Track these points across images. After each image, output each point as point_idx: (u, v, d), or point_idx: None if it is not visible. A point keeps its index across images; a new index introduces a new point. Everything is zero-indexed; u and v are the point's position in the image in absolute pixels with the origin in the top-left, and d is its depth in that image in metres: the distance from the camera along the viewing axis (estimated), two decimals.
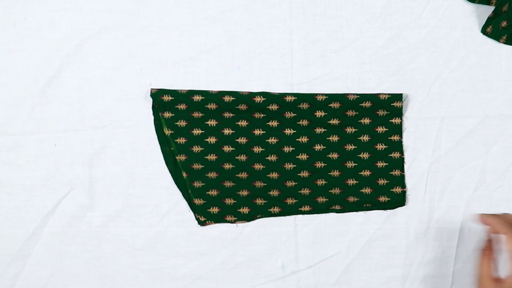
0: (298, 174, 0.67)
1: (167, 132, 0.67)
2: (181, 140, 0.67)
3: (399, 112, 0.66)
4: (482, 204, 0.67)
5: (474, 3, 0.67)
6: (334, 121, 0.66)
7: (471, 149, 0.67)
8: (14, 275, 0.67)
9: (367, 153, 0.67)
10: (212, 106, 0.66)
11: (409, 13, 0.67)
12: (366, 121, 0.66)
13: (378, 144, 0.67)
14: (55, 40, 0.68)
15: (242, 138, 0.67)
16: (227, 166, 0.67)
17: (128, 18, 0.68)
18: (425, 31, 0.67)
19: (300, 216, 0.68)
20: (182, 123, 0.67)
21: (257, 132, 0.67)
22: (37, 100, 0.68)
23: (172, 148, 0.67)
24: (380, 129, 0.66)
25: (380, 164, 0.67)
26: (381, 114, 0.66)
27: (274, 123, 0.67)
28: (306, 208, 0.67)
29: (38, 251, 0.67)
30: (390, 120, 0.66)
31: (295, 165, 0.67)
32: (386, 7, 0.67)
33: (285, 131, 0.67)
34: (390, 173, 0.67)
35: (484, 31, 0.67)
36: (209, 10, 0.67)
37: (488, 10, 0.67)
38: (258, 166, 0.67)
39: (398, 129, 0.66)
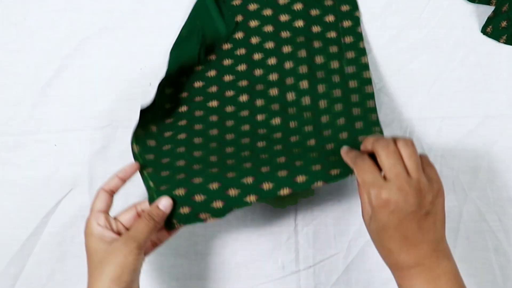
0: (276, 158, 0.60)
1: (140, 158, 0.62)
2: (150, 156, 0.62)
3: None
4: (482, 204, 0.67)
5: (474, 3, 0.67)
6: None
7: (471, 149, 0.67)
8: (14, 275, 0.67)
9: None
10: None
11: (409, 13, 0.68)
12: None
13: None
14: (55, 40, 0.68)
15: (214, 130, 0.64)
16: (196, 166, 0.61)
17: (128, 18, 0.68)
18: (425, 31, 0.68)
19: (300, 216, 0.68)
20: (152, 143, 0.63)
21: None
22: (37, 100, 0.68)
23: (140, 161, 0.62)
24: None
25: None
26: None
27: (245, 113, 0.64)
28: (286, 191, 0.58)
29: (38, 251, 0.67)
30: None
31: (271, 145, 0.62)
32: (386, 7, 0.67)
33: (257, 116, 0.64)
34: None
35: (484, 31, 0.67)
36: None
37: (488, 10, 0.67)
38: (229, 149, 0.62)
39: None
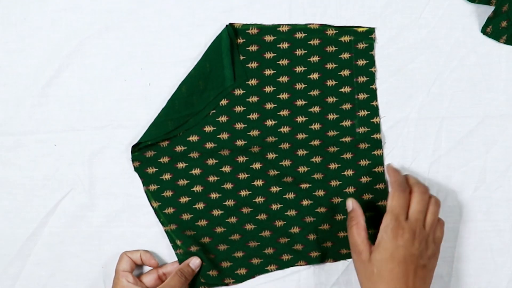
0: (289, 231, 0.66)
1: (155, 204, 0.66)
2: (169, 210, 0.66)
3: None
4: (482, 204, 0.67)
5: (474, 3, 0.67)
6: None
7: (471, 149, 0.67)
8: (14, 275, 0.67)
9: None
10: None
11: (409, 13, 0.67)
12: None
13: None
14: (55, 40, 0.68)
15: (230, 200, 0.66)
16: (219, 229, 0.66)
17: (128, 18, 0.68)
18: (425, 31, 0.67)
19: None
20: (168, 193, 0.66)
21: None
22: (37, 100, 0.68)
23: (161, 220, 0.66)
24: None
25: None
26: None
27: (259, 183, 0.66)
28: (302, 263, 0.66)
29: (38, 251, 0.67)
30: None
31: (284, 221, 0.66)
32: (386, 7, 0.67)
33: (270, 188, 0.66)
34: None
35: (484, 31, 0.67)
36: (209, 10, 0.67)
37: (488, 10, 0.67)
38: (249, 227, 0.66)
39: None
